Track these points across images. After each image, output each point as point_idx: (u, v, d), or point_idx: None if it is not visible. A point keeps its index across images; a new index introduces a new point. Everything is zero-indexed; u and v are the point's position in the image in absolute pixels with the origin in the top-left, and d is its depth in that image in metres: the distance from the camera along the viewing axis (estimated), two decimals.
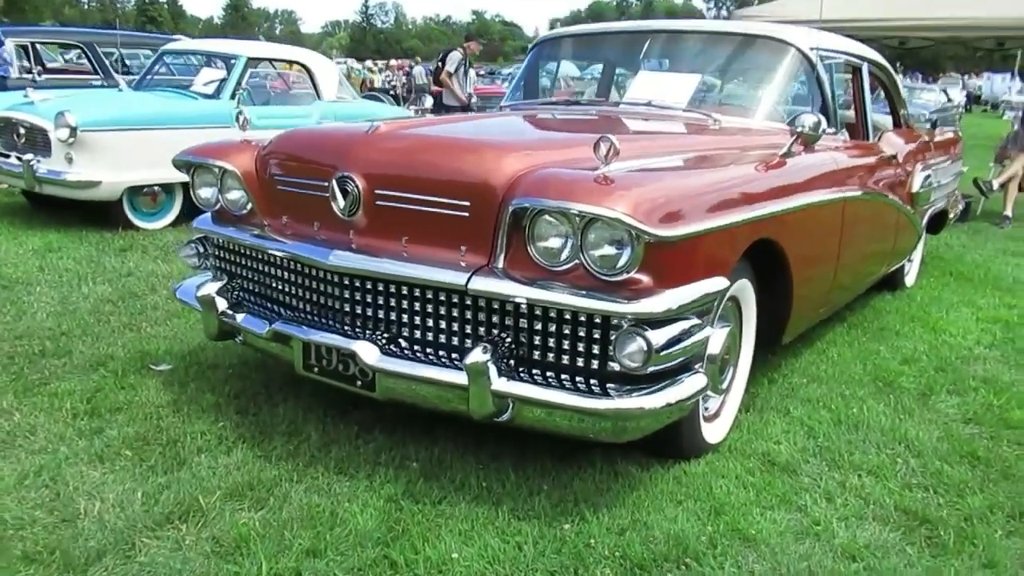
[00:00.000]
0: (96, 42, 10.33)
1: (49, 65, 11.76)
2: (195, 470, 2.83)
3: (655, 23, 4.29)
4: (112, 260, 5.82)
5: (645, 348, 2.34)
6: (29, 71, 10.16)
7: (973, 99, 38.12)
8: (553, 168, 2.56)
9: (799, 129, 3.26)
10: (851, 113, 4.71)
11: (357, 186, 2.75)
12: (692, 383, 2.57)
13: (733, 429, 3.22)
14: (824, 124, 3.27)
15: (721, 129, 3.61)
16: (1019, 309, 5.33)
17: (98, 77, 10.22)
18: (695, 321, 2.54)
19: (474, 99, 10.82)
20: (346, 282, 2.81)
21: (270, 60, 7.94)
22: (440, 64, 11.51)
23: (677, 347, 2.44)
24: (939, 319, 5.00)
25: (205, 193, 3.41)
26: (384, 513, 2.58)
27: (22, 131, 6.60)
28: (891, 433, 3.33)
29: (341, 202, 2.81)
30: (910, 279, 5.81)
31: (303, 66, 8.00)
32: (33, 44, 10.71)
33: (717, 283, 2.64)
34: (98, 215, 6.79)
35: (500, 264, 2.56)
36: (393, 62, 35.11)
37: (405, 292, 2.70)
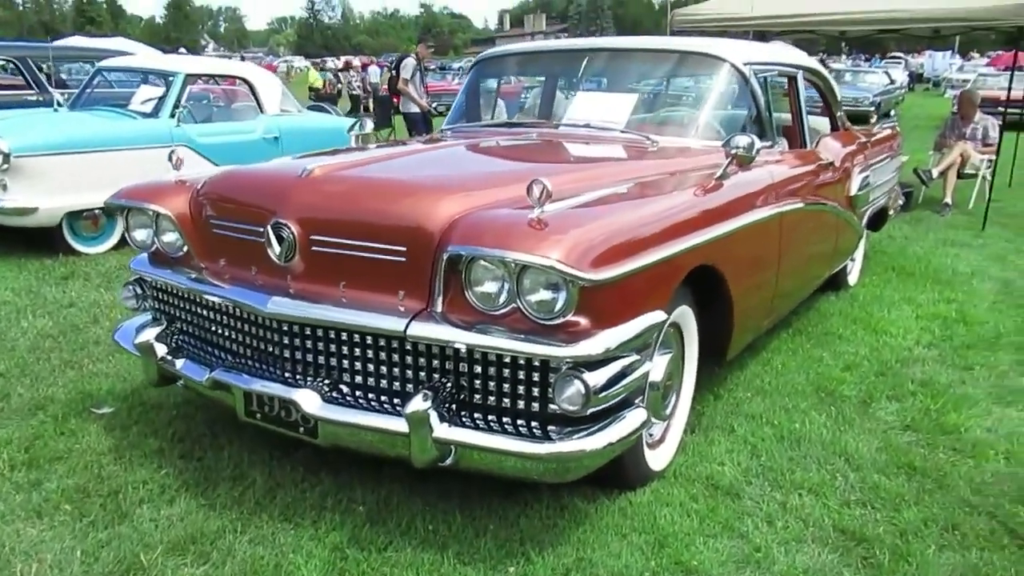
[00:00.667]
0: (30, 56, 10.05)
1: None
2: (137, 523, 2.79)
3: (592, 41, 4.31)
4: (53, 290, 5.69)
5: (583, 391, 2.36)
6: None
7: (915, 78, 38.92)
8: (487, 212, 2.55)
9: (733, 151, 3.29)
10: (789, 118, 4.78)
11: (292, 232, 2.72)
12: (633, 418, 2.60)
13: (679, 453, 3.26)
14: (758, 143, 3.31)
15: (659, 151, 3.63)
16: (957, 304, 5.47)
17: (33, 92, 9.97)
18: (634, 358, 2.57)
19: (425, 98, 10.80)
20: (285, 329, 2.79)
21: (210, 76, 7.79)
22: (395, 72, 11.45)
23: (616, 386, 2.47)
24: (880, 319, 5.11)
25: (140, 235, 3.35)
26: (329, 564, 2.57)
27: None
28: (831, 447, 3.40)
29: (277, 248, 2.78)
30: (853, 278, 5.92)
31: (244, 80, 7.87)
32: None
33: (655, 316, 2.67)
34: (38, 241, 6.63)
35: (439, 309, 2.56)
36: (356, 61, 34.28)
37: (345, 338, 2.69)
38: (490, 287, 2.47)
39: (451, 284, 2.53)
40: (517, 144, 3.74)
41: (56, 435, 3.43)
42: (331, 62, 39.34)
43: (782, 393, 3.94)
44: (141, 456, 3.25)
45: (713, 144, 3.74)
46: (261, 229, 2.80)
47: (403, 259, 2.58)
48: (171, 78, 7.21)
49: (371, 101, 21.00)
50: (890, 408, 3.82)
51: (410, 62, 10.63)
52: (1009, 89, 8.88)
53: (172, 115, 7.04)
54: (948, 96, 24.81)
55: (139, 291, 3.38)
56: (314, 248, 2.73)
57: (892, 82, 26.23)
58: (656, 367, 2.89)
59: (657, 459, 3.11)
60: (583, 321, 2.42)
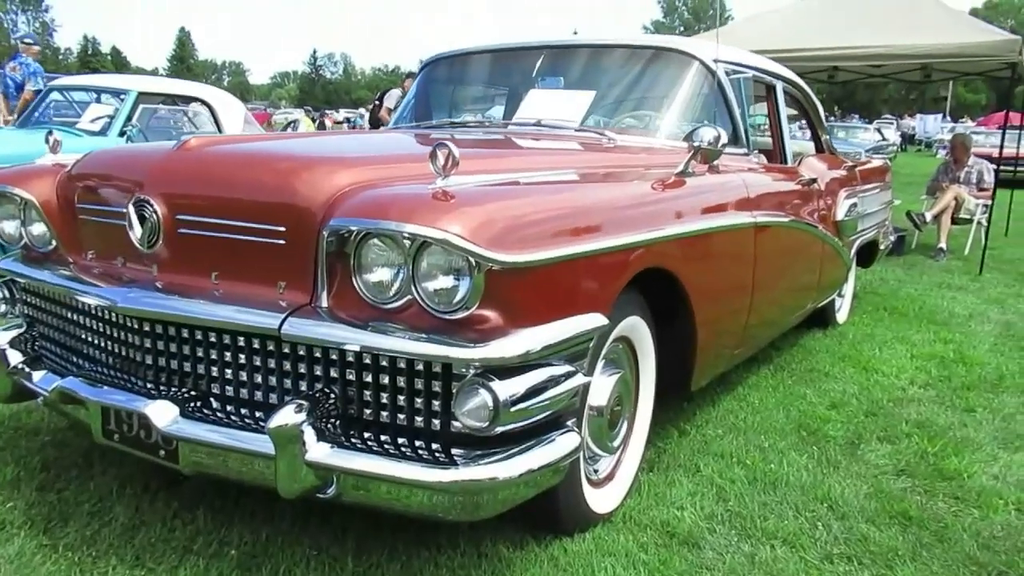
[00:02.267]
0: None
1: None
2: None
3: (548, 39, 3.91)
4: None
5: (491, 403, 1.87)
6: None
7: (907, 139, 39.08)
8: (381, 186, 2.09)
9: (696, 144, 2.86)
10: (767, 139, 4.37)
11: (156, 211, 2.26)
12: (562, 443, 2.10)
13: (631, 494, 2.74)
14: (724, 138, 2.87)
15: (615, 147, 3.20)
16: (955, 344, 5.00)
17: None
18: (564, 368, 2.08)
19: None
20: (146, 328, 2.30)
21: (166, 95, 7.42)
22: (378, 103, 11.12)
23: (536, 400, 1.97)
24: (871, 357, 4.63)
25: (8, 228, 2.88)
26: None
27: None
28: (812, 491, 2.89)
29: (139, 231, 2.31)
30: (842, 315, 5.46)
31: (203, 102, 7.50)
32: None
33: (592, 320, 2.19)
34: None
35: (324, 302, 2.08)
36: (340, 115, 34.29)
37: (213, 339, 2.20)
38: (382, 273, 1.99)
39: (338, 272, 2.05)
40: (445, 136, 3.30)
41: None
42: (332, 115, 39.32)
43: (758, 431, 3.43)
44: None
45: (678, 144, 3.31)
46: (124, 210, 2.34)
47: (282, 241, 2.11)
48: (123, 96, 6.84)
49: None
50: (881, 450, 3.31)
51: (395, 92, 10.29)
52: (1001, 147, 8.65)
53: (121, 133, 6.64)
54: (940, 156, 24.76)
55: (7, 295, 2.90)
56: (181, 231, 2.26)
57: (884, 139, 26.24)
58: (600, 387, 2.42)
59: (602, 500, 2.59)
60: (494, 316, 1.94)
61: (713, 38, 3.73)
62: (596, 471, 2.62)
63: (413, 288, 1.94)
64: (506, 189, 2.20)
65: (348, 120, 30.58)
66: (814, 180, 4.24)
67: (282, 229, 2.11)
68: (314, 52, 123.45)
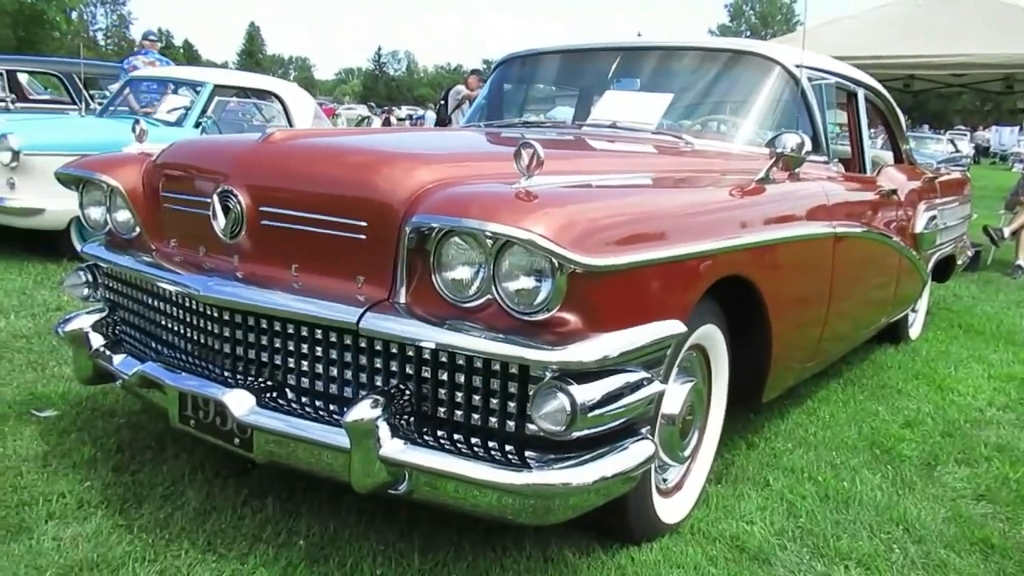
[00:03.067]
0: (73, 72, 10.05)
1: (36, 96, 11.51)
2: (36, 542, 2.32)
3: (626, 40, 3.87)
4: (46, 293, 5.36)
5: (569, 408, 1.84)
6: (2, 99, 9.87)
7: (981, 151, 37.82)
8: (463, 184, 2.08)
9: (779, 150, 2.79)
10: (846, 147, 4.26)
11: (240, 202, 2.29)
12: (636, 451, 2.06)
13: (698, 505, 2.69)
14: (808, 145, 2.80)
15: (693, 152, 3.14)
16: None
17: (75, 107, 9.93)
18: (641, 374, 2.04)
19: None
20: (226, 318, 2.33)
21: (240, 88, 7.56)
22: (443, 101, 11.18)
23: (613, 406, 1.94)
24: (946, 376, 4.48)
25: (94, 214, 2.96)
26: None
27: None
28: (888, 512, 2.80)
29: (222, 221, 2.35)
30: (915, 331, 5.30)
31: (276, 96, 7.62)
32: (11, 73, 10.46)
33: (671, 327, 2.15)
34: (46, 244, 6.36)
35: (402, 298, 2.08)
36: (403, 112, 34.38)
37: (291, 331, 2.22)
38: (462, 272, 1.98)
39: (418, 268, 2.05)
40: (519, 135, 3.29)
41: None
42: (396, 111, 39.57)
43: (829, 447, 3.34)
44: (69, 466, 2.80)
45: (757, 150, 3.24)
46: (209, 200, 2.38)
47: (363, 236, 2.12)
48: (199, 88, 6.99)
49: None
50: (959, 473, 3.19)
51: (461, 88, 10.32)
52: None
53: (197, 125, 6.79)
54: (1016, 170, 23.93)
55: (90, 279, 2.97)
56: (264, 222, 2.28)
57: (957, 151, 25.41)
58: (673, 395, 2.37)
59: (671, 510, 2.55)
60: (574, 319, 1.92)
61: (791, 42, 3.65)
62: (665, 480, 2.57)
63: (494, 288, 1.92)
64: (589, 191, 2.18)
65: (410, 117, 30.87)
66: (894, 191, 4.12)
67: (363, 224, 2.11)
68: (379, 49, 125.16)
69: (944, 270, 5.58)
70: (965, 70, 8.30)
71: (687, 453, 2.59)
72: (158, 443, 3.00)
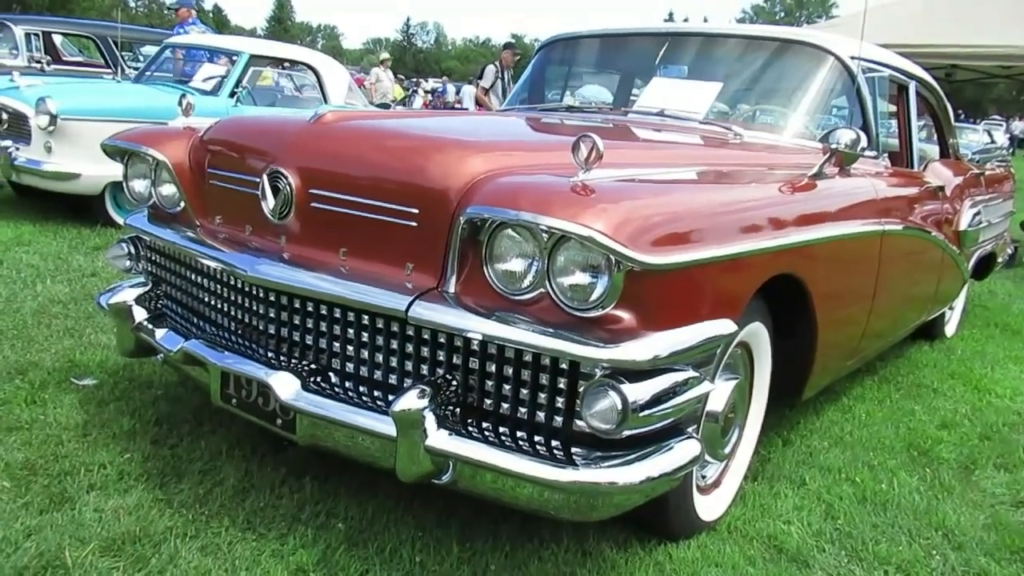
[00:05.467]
0: (109, 35, 10.05)
1: (69, 58, 11.54)
2: (78, 512, 2.34)
3: (674, 26, 3.80)
4: (81, 259, 5.40)
5: (620, 406, 1.82)
6: (38, 61, 9.90)
7: (1017, 143, 37.10)
8: (519, 174, 2.05)
9: (834, 146, 2.74)
10: (894, 140, 4.17)
11: (289, 183, 2.27)
12: (682, 451, 2.04)
13: (736, 503, 2.67)
14: (864, 141, 2.75)
15: (742, 144, 3.09)
16: None
17: (110, 71, 9.95)
18: (690, 373, 2.01)
19: None
20: (272, 299, 2.33)
21: (275, 59, 7.54)
22: (478, 79, 11.05)
23: (663, 406, 1.92)
24: (983, 377, 4.42)
25: (138, 186, 2.95)
26: None
27: (4, 117, 6.23)
28: (926, 517, 2.77)
29: (272, 202, 2.33)
30: (950, 328, 5.23)
31: (311, 67, 7.59)
32: (47, 34, 10.48)
33: (723, 327, 2.12)
34: (81, 209, 6.41)
35: (451, 288, 2.06)
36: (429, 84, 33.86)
37: (338, 315, 2.21)
38: (515, 264, 1.96)
39: (469, 258, 2.03)
40: (572, 123, 3.24)
41: (26, 403, 3.03)
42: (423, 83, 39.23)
43: (866, 447, 3.31)
44: (109, 436, 2.82)
45: (809, 144, 3.19)
46: (257, 180, 2.36)
47: (414, 223, 2.10)
48: (235, 57, 6.97)
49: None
50: (998, 478, 3.15)
51: (490, 69, 10.19)
52: None
53: (232, 95, 6.77)
54: None
55: (132, 251, 2.97)
56: (313, 204, 2.26)
57: (992, 142, 24.96)
58: (718, 393, 2.34)
59: (709, 507, 2.53)
60: (627, 317, 1.89)
61: (835, 30, 3.56)
62: (704, 477, 2.56)
63: (548, 282, 1.90)
64: (645, 186, 2.14)
65: (435, 91, 30.57)
66: (941, 187, 4.04)
67: (415, 211, 2.09)
68: (407, 20, 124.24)
69: (984, 267, 5.48)
70: (1011, 61, 8.09)
71: (727, 451, 2.56)
72: (195, 417, 3.02)
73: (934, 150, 4.93)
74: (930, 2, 8.96)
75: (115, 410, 3.03)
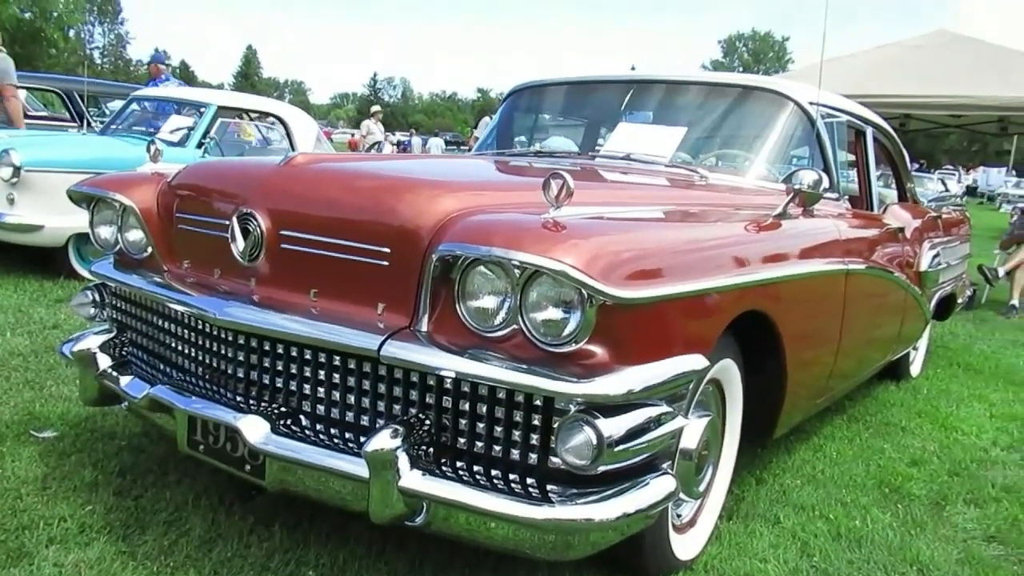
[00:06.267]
0: (75, 90, 10.04)
1: (34, 113, 11.48)
2: (36, 568, 2.26)
3: (639, 74, 3.89)
4: (42, 311, 5.29)
5: (595, 441, 1.82)
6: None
7: (969, 191, 38.23)
8: (490, 213, 2.07)
9: (797, 186, 2.80)
10: (853, 185, 4.28)
11: (260, 225, 2.27)
12: (658, 487, 2.03)
13: (711, 541, 2.65)
14: (825, 182, 2.81)
15: (708, 185, 3.15)
16: None
17: (75, 125, 9.91)
18: (663, 408, 2.02)
19: None
20: (241, 342, 2.30)
21: (243, 110, 7.57)
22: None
23: (638, 441, 1.92)
24: (949, 415, 4.47)
25: (104, 233, 2.92)
26: None
27: None
28: (901, 552, 2.77)
29: (241, 244, 2.32)
30: (915, 368, 5.30)
31: (278, 119, 7.62)
32: None
33: (694, 361, 2.13)
34: (44, 261, 6.30)
35: (424, 327, 2.05)
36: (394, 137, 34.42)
37: (309, 357, 2.19)
38: (488, 301, 1.96)
39: (441, 296, 2.03)
40: (542, 165, 3.28)
41: None
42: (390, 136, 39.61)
43: (838, 484, 3.32)
44: (69, 489, 2.74)
45: (771, 185, 3.26)
46: (226, 222, 2.35)
47: (386, 263, 2.10)
48: (203, 109, 6.98)
49: None
50: (969, 514, 3.17)
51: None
52: None
53: (199, 145, 6.77)
54: (1004, 210, 24.19)
55: (97, 298, 2.93)
56: (283, 246, 2.26)
57: (947, 190, 25.69)
58: (691, 430, 2.34)
59: (685, 546, 2.51)
60: (600, 352, 1.90)
61: (796, 79, 3.67)
62: (679, 516, 2.54)
63: (520, 318, 1.90)
64: (615, 223, 2.17)
65: (400, 143, 30.90)
66: (900, 229, 4.14)
67: (387, 250, 2.09)
68: (374, 75, 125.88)
69: (945, 308, 5.60)
70: (962, 111, 8.40)
71: (702, 488, 2.55)
72: (160, 467, 2.94)
73: (892, 195, 5.06)
74: (884, 54, 9.30)
75: (76, 462, 2.95)
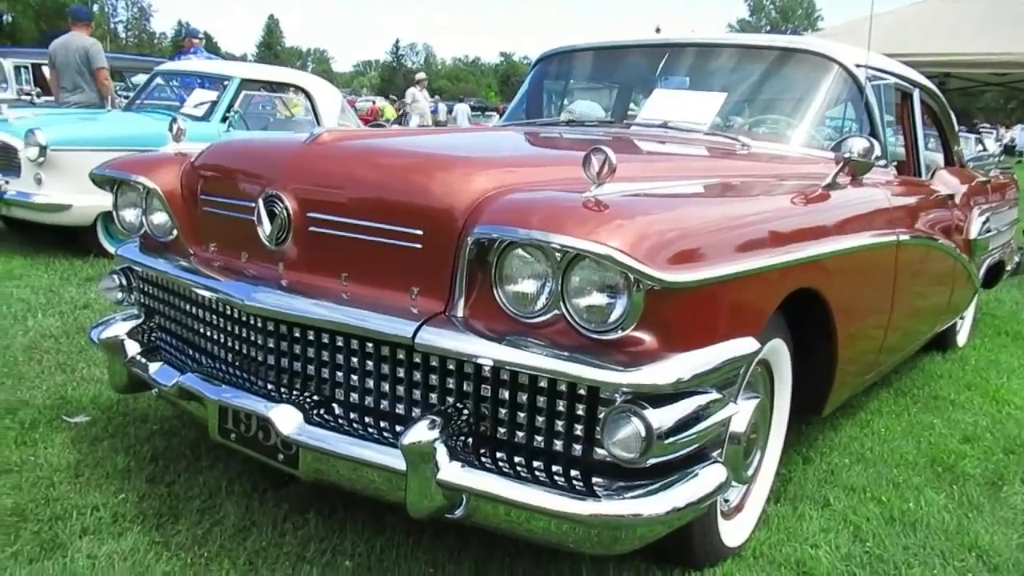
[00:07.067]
0: None
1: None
2: (70, 560, 2.22)
3: (675, 36, 3.72)
4: (73, 291, 5.29)
5: (644, 433, 1.72)
6: (28, 93, 9.84)
7: (1007, 150, 37.24)
8: (529, 191, 1.96)
9: (847, 155, 2.65)
10: (899, 150, 4.10)
11: (286, 207, 2.18)
12: (708, 478, 1.93)
13: (759, 526, 2.56)
14: (877, 150, 2.66)
15: (750, 155, 3.00)
16: None
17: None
18: (714, 395, 1.91)
19: None
20: (270, 328, 2.22)
21: (267, 83, 7.47)
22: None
23: (689, 432, 1.82)
24: (1000, 387, 4.31)
25: (129, 216, 2.87)
26: None
27: None
28: (958, 537, 2.65)
29: (268, 227, 2.23)
30: (962, 338, 5.13)
31: (303, 90, 7.52)
32: (36, 66, 10.43)
33: (745, 345, 2.02)
34: (73, 240, 6.30)
35: (460, 312, 1.96)
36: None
37: (340, 344, 2.10)
38: (527, 285, 1.86)
39: (477, 280, 1.93)
40: (575, 136, 3.15)
41: (16, 444, 2.91)
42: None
43: (888, 463, 3.20)
44: (102, 476, 2.71)
45: (817, 153, 3.10)
46: (252, 205, 2.27)
47: (418, 245, 2.00)
48: (226, 82, 6.90)
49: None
50: None
51: None
52: None
53: (223, 119, 6.71)
54: None
55: (124, 282, 2.87)
56: (311, 229, 2.17)
57: (984, 149, 25.07)
58: (740, 414, 2.23)
59: (733, 532, 2.42)
60: (648, 339, 1.79)
61: (837, 38, 3.48)
62: (727, 501, 2.44)
63: (562, 304, 1.80)
64: (659, 200, 2.05)
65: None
66: (951, 196, 3.96)
67: (419, 233, 1.99)
68: (397, 42, 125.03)
69: (993, 276, 5.40)
70: (1006, 68, 8.07)
71: (750, 473, 2.45)
72: (193, 452, 2.90)
73: (938, 158, 4.86)
74: (924, 11, 8.95)
75: (109, 448, 2.91)
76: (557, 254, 1.77)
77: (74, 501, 2.53)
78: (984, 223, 4.44)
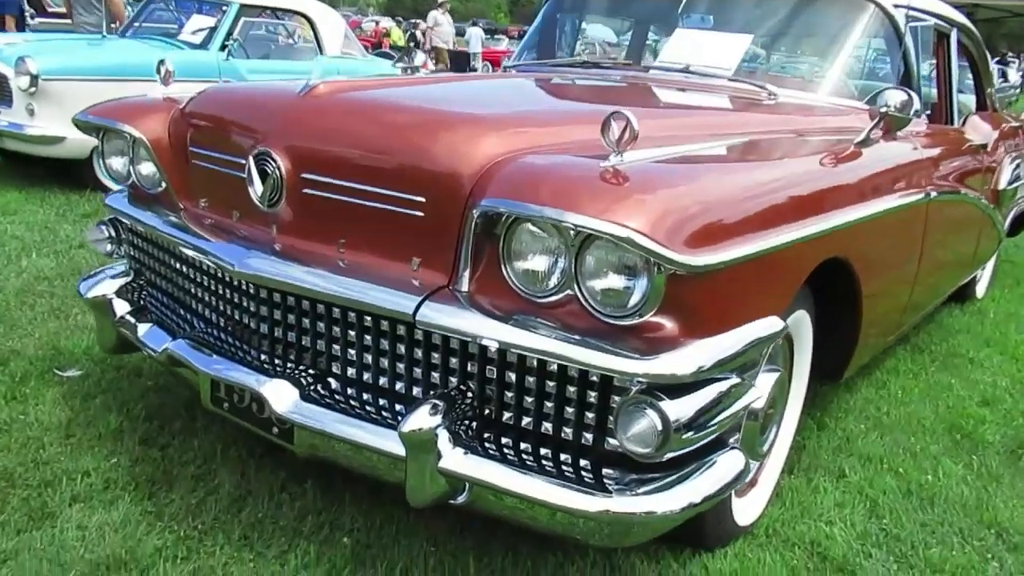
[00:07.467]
0: None
1: (55, 9, 11.11)
2: (59, 531, 2.15)
3: None
4: (69, 228, 5.15)
5: (660, 427, 1.60)
6: (22, 11, 9.49)
7: None
8: (541, 156, 1.79)
9: (883, 109, 2.46)
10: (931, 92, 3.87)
11: (279, 166, 2.02)
12: (726, 467, 1.82)
13: (772, 501, 2.47)
14: (916, 104, 2.48)
15: (778, 106, 2.81)
16: None
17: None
18: (734, 381, 1.79)
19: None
20: (263, 296, 2.09)
21: (267, 8, 7.15)
22: None
23: (708, 424, 1.70)
24: (1020, 343, 4.19)
25: (116, 164, 2.71)
26: None
27: None
28: (977, 513, 2.56)
29: (259, 187, 2.08)
30: (980, 289, 4.98)
31: (305, 16, 7.21)
32: None
33: (769, 324, 1.88)
34: (69, 174, 6.12)
35: (464, 287, 1.82)
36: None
37: (337, 315, 1.97)
38: (538, 263, 1.71)
39: (484, 253, 1.79)
40: (592, 84, 2.96)
41: (6, 400, 2.81)
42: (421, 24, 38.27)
43: (905, 429, 3.09)
44: (94, 437, 2.62)
45: (849, 103, 2.91)
46: (243, 161, 2.11)
47: (420, 213, 1.85)
48: (225, 8, 6.60)
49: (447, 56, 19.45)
50: None
51: None
52: None
53: (222, 48, 6.45)
54: None
55: (113, 233, 2.74)
56: (306, 190, 2.01)
57: (1005, 80, 24.35)
58: (759, 390, 2.11)
59: (746, 510, 2.33)
60: (668, 325, 1.65)
61: None
62: None
63: (576, 285, 1.66)
64: (681, 169, 1.88)
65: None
66: (983, 145, 3.76)
67: (422, 200, 1.84)
68: None
69: (1018, 224, 5.21)
70: None
71: (766, 448, 2.34)
72: (188, 411, 2.80)
73: (970, 99, 4.62)
74: None
75: (101, 405, 2.82)
76: (571, 231, 1.62)
77: (64, 465, 2.45)
78: (1014, 171, 4.25)
